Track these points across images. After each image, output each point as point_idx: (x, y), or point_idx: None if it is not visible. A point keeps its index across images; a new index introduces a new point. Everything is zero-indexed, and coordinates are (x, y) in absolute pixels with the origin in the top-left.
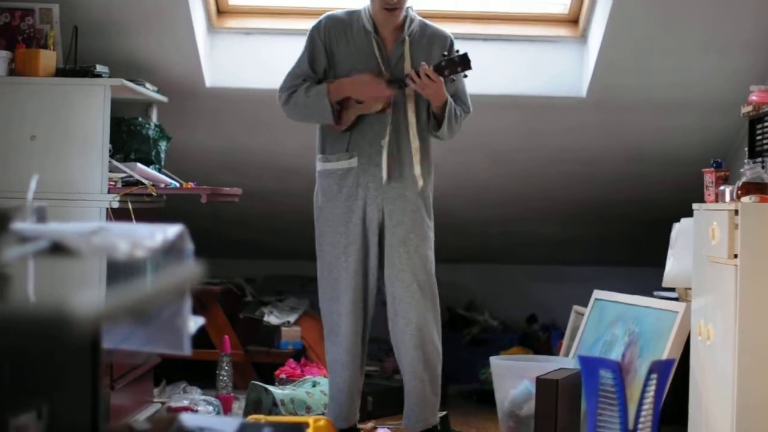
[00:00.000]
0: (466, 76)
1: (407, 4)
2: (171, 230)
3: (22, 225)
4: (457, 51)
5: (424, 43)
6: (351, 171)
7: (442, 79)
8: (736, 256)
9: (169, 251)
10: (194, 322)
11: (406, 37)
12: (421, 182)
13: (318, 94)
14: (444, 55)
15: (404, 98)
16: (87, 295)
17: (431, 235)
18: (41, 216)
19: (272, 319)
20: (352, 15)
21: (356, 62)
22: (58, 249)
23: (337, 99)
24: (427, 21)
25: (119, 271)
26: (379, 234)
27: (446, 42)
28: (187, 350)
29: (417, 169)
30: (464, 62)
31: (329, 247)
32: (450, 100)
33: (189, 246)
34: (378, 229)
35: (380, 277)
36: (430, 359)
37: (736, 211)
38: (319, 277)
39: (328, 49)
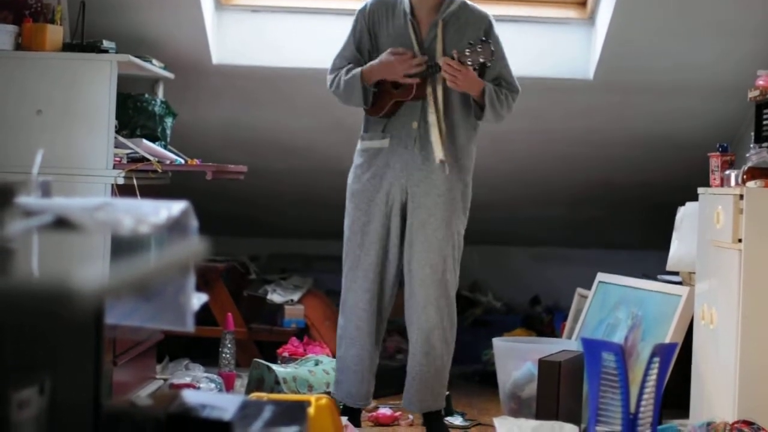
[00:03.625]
0: (488, 65)
1: None
2: (176, 207)
3: (26, 199)
4: (483, 40)
5: (459, 25)
6: (382, 151)
7: (470, 68)
8: (740, 240)
9: (174, 227)
10: (198, 299)
11: (440, 20)
12: (446, 167)
13: (353, 78)
14: (470, 44)
15: (437, 84)
16: (90, 270)
17: (457, 222)
18: (46, 191)
19: (275, 297)
20: None
21: (394, 45)
22: (62, 223)
23: (372, 82)
24: (468, 2)
25: (123, 246)
26: (402, 215)
27: (483, 23)
28: (190, 327)
29: (440, 154)
30: (487, 51)
31: (350, 222)
32: (489, 87)
33: (193, 222)
34: (401, 211)
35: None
36: (436, 345)
37: (741, 196)
38: (344, 251)
39: (372, 31)
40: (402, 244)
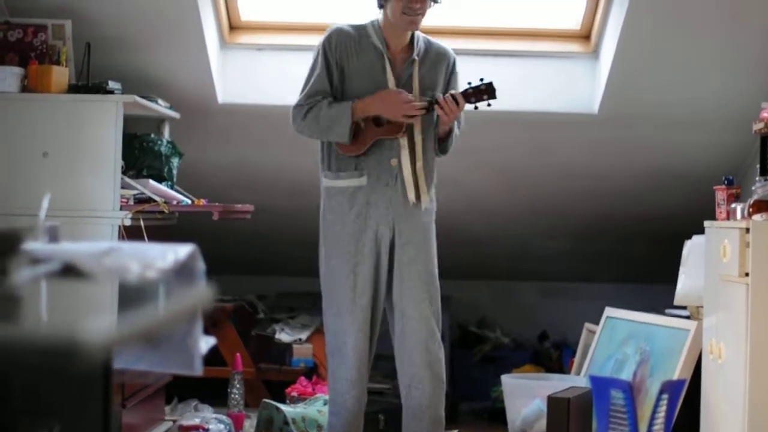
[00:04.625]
0: (490, 105)
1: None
2: (182, 250)
3: (34, 245)
4: (482, 79)
5: (430, 62)
6: (360, 189)
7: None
8: (747, 274)
9: (181, 271)
10: (206, 343)
11: (416, 57)
12: (427, 200)
13: (341, 111)
14: (469, 83)
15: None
16: (98, 321)
17: (435, 253)
18: (53, 235)
19: (284, 336)
20: (359, 29)
21: (366, 79)
22: (70, 271)
23: (362, 117)
24: (429, 37)
25: (131, 291)
26: (390, 252)
27: (450, 60)
28: (198, 370)
29: (424, 188)
30: (490, 91)
31: (337, 265)
32: (456, 127)
33: (201, 266)
34: (389, 248)
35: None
36: (439, 377)
37: (748, 229)
38: (324, 294)
39: (339, 63)
40: (390, 281)
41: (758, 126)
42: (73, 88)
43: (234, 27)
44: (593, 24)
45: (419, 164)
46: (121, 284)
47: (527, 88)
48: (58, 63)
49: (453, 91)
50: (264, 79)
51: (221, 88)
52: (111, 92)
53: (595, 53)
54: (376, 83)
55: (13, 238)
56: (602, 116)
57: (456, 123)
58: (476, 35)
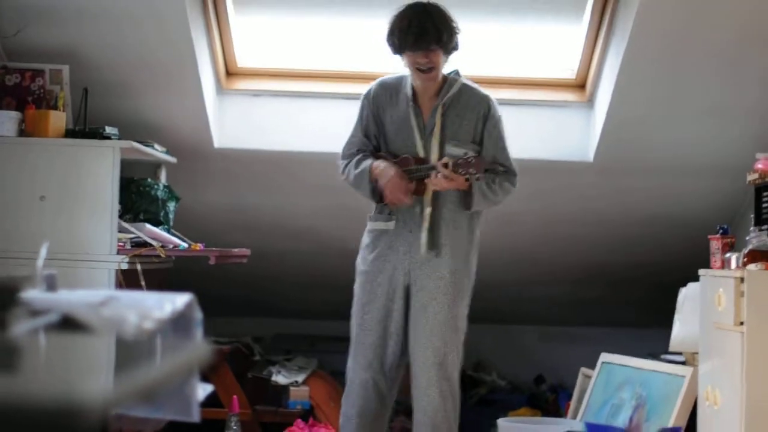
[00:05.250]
0: (478, 178)
1: (448, 69)
2: (180, 300)
3: (32, 294)
4: (476, 155)
5: (460, 109)
6: (387, 233)
7: (459, 176)
8: (742, 323)
9: (178, 321)
10: (203, 390)
11: (440, 106)
12: (438, 250)
13: (362, 174)
14: (465, 153)
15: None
16: (96, 380)
17: (459, 305)
18: (51, 284)
19: (280, 378)
20: (401, 80)
21: (398, 130)
22: (68, 322)
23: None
24: (470, 83)
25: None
26: (406, 297)
27: (483, 105)
28: (196, 417)
29: (440, 237)
30: (477, 165)
31: (355, 303)
32: (476, 183)
33: (198, 315)
34: (404, 292)
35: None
36: (440, 427)
37: (742, 279)
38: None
39: (377, 116)
40: (406, 326)
41: (752, 177)
42: (71, 133)
43: (231, 73)
44: (588, 74)
45: (445, 210)
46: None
47: (523, 136)
48: (55, 108)
49: (444, 160)
50: (260, 124)
51: (217, 133)
52: (108, 137)
53: (590, 102)
54: (404, 133)
55: (10, 289)
56: (597, 164)
57: (485, 183)
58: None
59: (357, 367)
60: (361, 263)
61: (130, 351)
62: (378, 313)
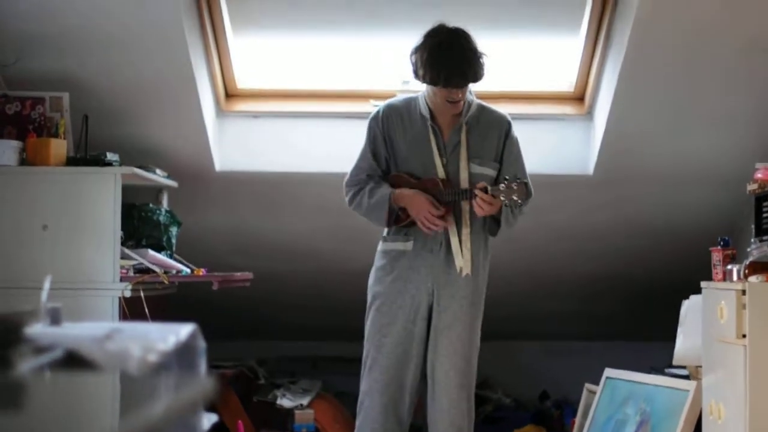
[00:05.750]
0: (520, 205)
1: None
2: (183, 331)
3: (36, 329)
4: (518, 179)
5: (481, 128)
6: (405, 254)
7: (497, 200)
8: (744, 336)
9: (182, 351)
10: (208, 420)
11: (464, 125)
12: (468, 270)
13: (380, 200)
14: (506, 179)
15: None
16: (101, 421)
17: (477, 325)
18: (55, 317)
19: (285, 402)
20: (410, 102)
21: (413, 150)
22: (73, 358)
23: (398, 205)
24: (484, 103)
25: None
26: (427, 318)
27: (503, 125)
28: None
29: (468, 257)
30: (521, 191)
31: (370, 324)
32: (505, 210)
33: (201, 344)
34: (427, 313)
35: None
36: None
37: (744, 291)
38: (364, 353)
39: (387, 138)
40: (425, 347)
41: (752, 187)
42: (72, 161)
43: (230, 95)
44: (587, 86)
45: (465, 231)
46: (123, 371)
47: (523, 149)
48: (56, 135)
49: (482, 184)
50: (261, 146)
51: (218, 155)
52: (109, 164)
53: (589, 115)
54: (422, 153)
55: (15, 324)
56: (597, 177)
57: (510, 211)
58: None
59: (374, 391)
60: (377, 285)
61: (135, 385)
62: (398, 336)
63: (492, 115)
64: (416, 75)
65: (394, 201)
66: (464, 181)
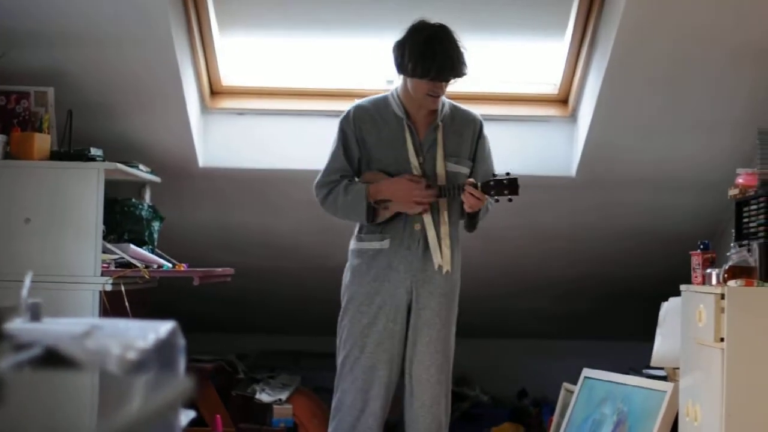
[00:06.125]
0: (510, 200)
1: None
2: (163, 328)
3: (16, 325)
4: (508, 174)
5: (456, 127)
6: (382, 252)
7: (485, 196)
8: (722, 339)
9: (162, 349)
10: (186, 416)
11: (439, 123)
12: (448, 266)
13: (357, 195)
14: (494, 175)
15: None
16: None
17: (454, 321)
18: (35, 313)
19: (264, 396)
20: (378, 102)
21: (387, 149)
22: (52, 355)
23: (376, 199)
24: (456, 103)
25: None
26: (407, 316)
27: (476, 124)
28: None
29: (447, 254)
30: (512, 186)
31: (349, 324)
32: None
33: (181, 342)
34: (406, 311)
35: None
36: None
37: (723, 295)
38: (338, 352)
39: (359, 138)
40: (405, 345)
41: (734, 192)
42: (56, 155)
43: (215, 92)
44: (571, 89)
45: (444, 228)
46: (103, 369)
47: (506, 151)
48: (40, 130)
49: (471, 180)
50: (245, 143)
51: (202, 152)
52: (93, 159)
53: (573, 117)
54: (396, 152)
55: None
56: (580, 179)
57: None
58: (456, 99)
59: (354, 390)
60: (354, 285)
61: (114, 383)
62: (380, 335)
63: (465, 114)
64: (402, 68)
65: (371, 195)
66: (441, 179)
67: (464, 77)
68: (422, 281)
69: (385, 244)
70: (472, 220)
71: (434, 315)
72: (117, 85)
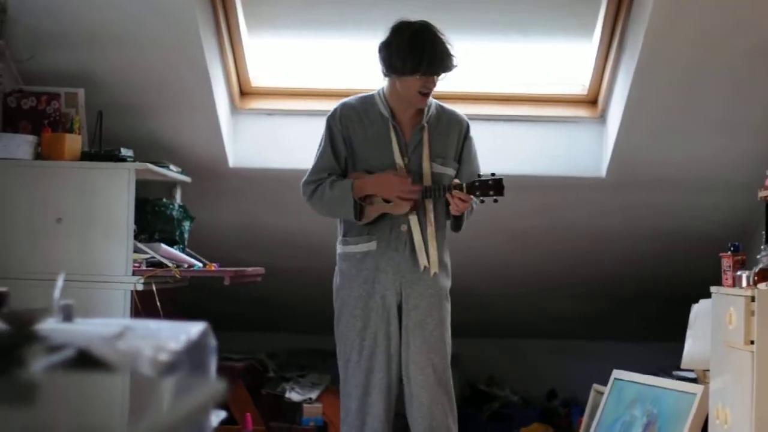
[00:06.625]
0: (496, 201)
1: None
2: (194, 329)
3: (49, 326)
4: (493, 174)
5: (442, 128)
6: (369, 254)
7: (471, 197)
8: (752, 342)
9: (193, 349)
10: (216, 416)
11: (425, 124)
12: (435, 268)
13: (343, 191)
14: (479, 176)
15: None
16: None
17: (448, 319)
18: (68, 314)
19: (294, 395)
20: (366, 100)
21: (373, 149)
22: (85, 357)
23: (361, 196)
24: (442, 103)
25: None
26: (398, 317)
27: (462, 125)
28: None
29: (434, 255)
30: (497, 187)
31: (345, 329)
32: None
33: (212, 343)
34: (397, 313)
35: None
36: None
37: (753, 298)
38: (338, 358)
39: (346, 137)
40: (399, 346)
41: (764, 193)
42: (86, 156)
43: (245, 93)
44: (600, 89)
45: (430, 229)
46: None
47: (536, 152)
48: (71, 131)
49: (456, 181)
50: (274, 143)
51: (232, 152)
52: (123, 160)
53: (602, 118)
54: (381, 152)
55: (28, 322)
56: (609, 180)
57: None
58: (487, 101)
59: (353, 392)
60: (345, 289)
61: (146, 384)
62: (374, 338)
63: (451, 115)
64: (390, 68)
65: (357, 191)
66: (427, 180)
67: (454, 70)
68: (411, 282)
69: (372, 245)
70: (457, 221)
71: (426, 315)
72: (147, 86)
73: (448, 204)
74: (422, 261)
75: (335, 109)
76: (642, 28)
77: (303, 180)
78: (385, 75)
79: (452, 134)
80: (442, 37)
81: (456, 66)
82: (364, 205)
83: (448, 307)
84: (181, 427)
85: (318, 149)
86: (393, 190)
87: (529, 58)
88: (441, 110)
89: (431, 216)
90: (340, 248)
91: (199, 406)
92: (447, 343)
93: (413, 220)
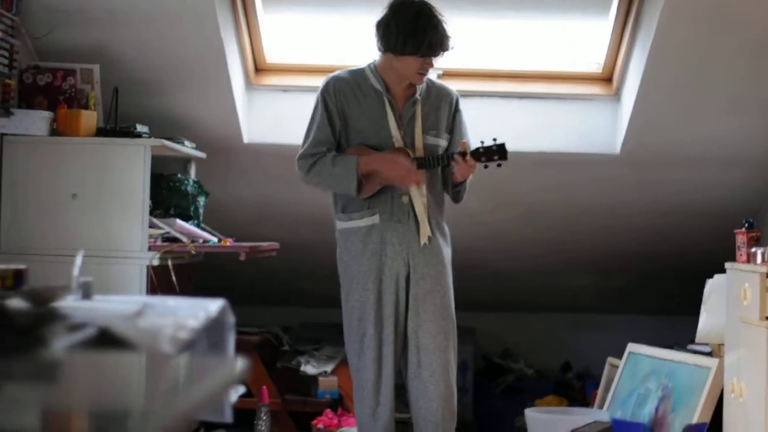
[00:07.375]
0: (500, 165)
1: None
2: (213, 306)
3: (68, 304)
4: (495, 140)
5: (433, 101)
6: (374, 228)
7: (476, 163)
8: (767, 318)
9: (212, 326)
10: (235, 391)
11: (418, 97)
12: (428, 234)
13: (346, 166)
14: (482, 143)
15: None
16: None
17: (451, 286)
18: (86, 291)
19: (309, 368)
20: (357, 74)
21: (368, 122)
22: (105, 336)
23: (365, 172)
24: (431, 77)
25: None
26: (406, 287)
27: (453, 99)
28: (228, 418)
29: (428, 232)
30: (501, 152)
31: (357, 303)
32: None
33: (231, 320)
34: (405, 283)
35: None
36: (453, 410)
37: (767, 274)
38: (346, 333)
39: (341, 111)
40: (406, 315)
41: None
42: (102, 132)
43: (259, 69)
44: (615, 67)
45: (424, 200)
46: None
47: (551, 129)
48: (86, 107)
49: (463, 148)
50: (289, 119)
51: (247, 128)
52: (139, 136)
53: (617, 95)
54: (377, 125)
55: (48, 300)
56: (624, 157)
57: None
58: (502, 78)
59: (371, 365)
60: (354, 265)
61: (165, 362)
62: (390, 308)
63: (441, 88)
64: (389, 47)
65: (362, 168)
66: (419, 152)
67: (451, 50)
68: (417, 252)
69: (376, 219)
70: (458, 193)
71: (435, 283)
72: (162, 63)
73: (442, 175)
74: (426, 231)
75: (328, 83)
76: (658, 6)
77: (299, 154)
78: (382, 52)
79: (443, 107)
80: (441, 18)
81: (454, 46)
82: (364, 181)
83: (451, 275)
84: (201, 406)
85: (310, 123)
86: (402, 176)
87: (544, 35)
88: (431, 84)
89: (424, 188)
90: (341, 224)
91: (220, 386)
92: (453, 311)
93: (414, 191)
